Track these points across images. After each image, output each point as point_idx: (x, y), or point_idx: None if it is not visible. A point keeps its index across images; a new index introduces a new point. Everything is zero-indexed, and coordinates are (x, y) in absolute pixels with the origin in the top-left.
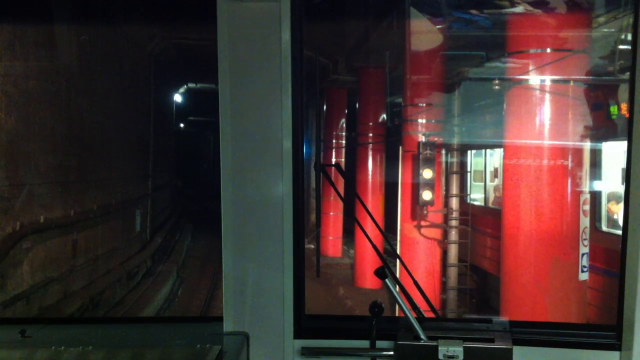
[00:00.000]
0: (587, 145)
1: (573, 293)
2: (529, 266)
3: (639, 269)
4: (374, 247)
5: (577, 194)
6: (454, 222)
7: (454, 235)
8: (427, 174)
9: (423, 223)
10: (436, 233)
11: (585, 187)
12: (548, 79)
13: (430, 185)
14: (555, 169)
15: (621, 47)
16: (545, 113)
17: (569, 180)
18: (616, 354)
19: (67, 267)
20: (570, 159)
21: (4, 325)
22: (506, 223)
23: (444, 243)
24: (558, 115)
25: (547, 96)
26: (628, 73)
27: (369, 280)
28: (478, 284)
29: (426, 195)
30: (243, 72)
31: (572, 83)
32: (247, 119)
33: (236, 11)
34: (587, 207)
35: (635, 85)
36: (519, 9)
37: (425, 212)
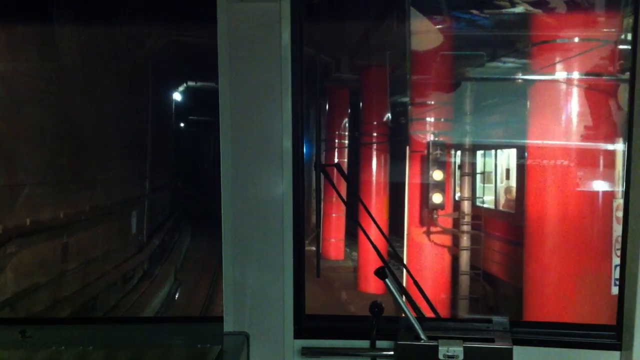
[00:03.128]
0: (620, 146)
1: (605, 308)
2: (554, 277)
3: (639, 269)
4: (375, 248)
5: (609, 199)
6: (465, 227)
7: (465, 240)
8: (437, 175)
9: (433, 228)
10: (445, 238)
11: (619, 192)
12: (576, 72)
13: (440, 187)
14: (585, 172)
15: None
16: (573, 110)
17: (601, 184)
18: (616, 354)
19: (56, 272)
20: (601, 161)
21: (4, 325)
22: (529, 230)
23: (453, 248)
24: (587, 112)
25: (576, 91)
26: (628, 73)
27: (372, 285)
28: (488, 290)
29: (436, 198)
30: (243, 72)
31: (605, 77)
32: (247, 119)
33: (236, 11)
34: (620, 214)
35: (635, 85)
36: (519, 9)
37: (435, 216)
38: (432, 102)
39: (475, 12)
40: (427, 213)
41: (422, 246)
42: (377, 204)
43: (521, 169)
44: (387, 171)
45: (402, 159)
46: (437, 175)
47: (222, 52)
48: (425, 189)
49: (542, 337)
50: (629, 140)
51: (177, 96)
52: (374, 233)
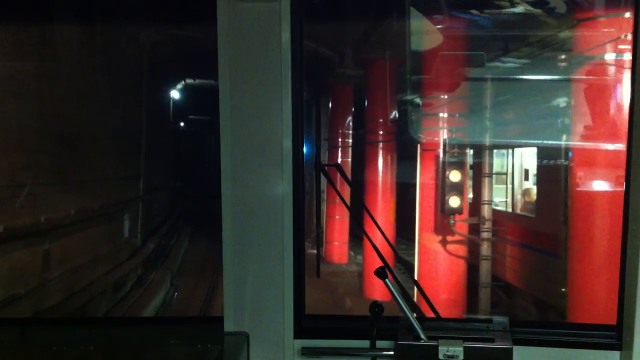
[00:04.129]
0: None
1: None
2: (604, 294)
3: (639, 269)
4: (378, 252)
5: None
6: (486, 234)
7: (486, 249)
8: (454, 176)
9: (448, 234)
10: (461, 244)
11: None
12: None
13: (458, 190)
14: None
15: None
16: (625, 105)
17: None
18: (616, 354)
19: (36, 282)
20: None
21: (4, 325)
22: (576, 236)
23: (470, 257)
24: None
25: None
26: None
27: (379, 292)
28: (505, 301)
29: (453, 201)
30: (243, 72)
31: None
32: (247, 118)
33: (236, 11)
34: None
35: (635, 85)
36: (519, 9)
37: (452, 221)
38: (445, 97)
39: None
40: (442, 218)
41: (435, 253)
42: (383, 206)
43: (551, 170)
44: (394, 171)
45: (411, 159)
46: (455, 176)
47: (222, 51)
48: (439, 190)
49: (542, 337)
50: (629, 140)
51: (175, 94)
52: (379, 236)
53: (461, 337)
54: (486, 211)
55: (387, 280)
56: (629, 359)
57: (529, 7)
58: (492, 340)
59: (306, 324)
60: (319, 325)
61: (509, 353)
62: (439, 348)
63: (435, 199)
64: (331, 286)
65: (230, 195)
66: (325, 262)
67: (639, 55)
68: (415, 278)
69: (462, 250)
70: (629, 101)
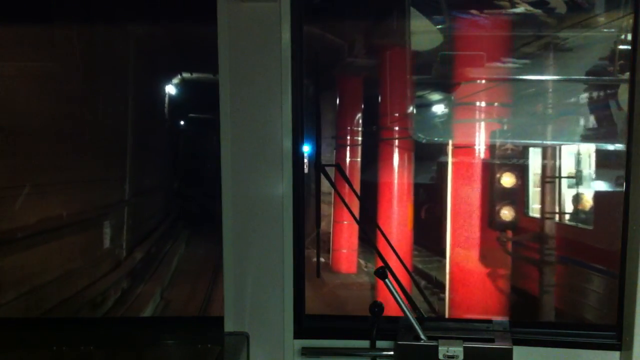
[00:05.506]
0: None
1: None
2: None
3: (639, 269)
4: (378, 253)
5: None
6: (549, 258)
7: (549, 276)
8: (507, 179)
9: (497, 257)
10: (506, 264)
11: None
12: None
13: (511, 198)
14: None
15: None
16: None
17: None
18: (616, 354)
19: None
20: None
21: (3, 325)
22: None
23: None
24: None
25: None
26: (628, 73)
27: (393, 307)
28: None
29: (506, 213)
30: (243, 72)
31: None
32: (247, 118)
33: (236, 11)
34: None
35: (635, 85)
36: (519, 9)
37: (504, 239)
38: (483, 82)
39: None
40: (487, 233)
41: (472, 275)
42: (399, 211)
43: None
44: (411, 172)
45: (431, 158)
46: (507, 179)
47: (222, 51)
48: (485, 199)
49: (542, 337)
50: (628, 140)
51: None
52: (394, 241)
53: (461, 337)
54: (547, 227)
55: (387, 280)
56: (629, 359)
57: (529, 7)
58: (492, 341)
59: (306, 324)
60: (319, 325)
61: (508, 353)
62: (439, 348)
63: (481, 209)
64: (340, 300)
65: (230, 195)
66: (332, 271)
67: (638, 56)
68: (446, 305)
69: (508, 274)
70: (627, 101)
